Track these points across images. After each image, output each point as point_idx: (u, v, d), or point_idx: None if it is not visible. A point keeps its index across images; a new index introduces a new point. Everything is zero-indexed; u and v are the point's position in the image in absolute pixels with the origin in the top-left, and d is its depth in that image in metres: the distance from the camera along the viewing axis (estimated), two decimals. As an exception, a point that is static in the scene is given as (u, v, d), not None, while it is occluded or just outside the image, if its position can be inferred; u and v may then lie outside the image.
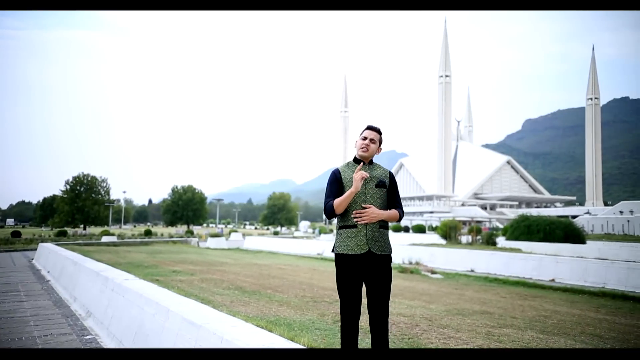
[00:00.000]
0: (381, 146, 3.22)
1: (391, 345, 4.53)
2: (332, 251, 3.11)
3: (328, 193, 3.12)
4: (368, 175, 3.04)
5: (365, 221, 2.99)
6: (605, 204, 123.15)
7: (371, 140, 3.15)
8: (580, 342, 5.10)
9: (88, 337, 6.44)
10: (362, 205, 3.03)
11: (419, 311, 6.81)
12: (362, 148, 3.14)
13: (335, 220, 3.19)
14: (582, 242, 29.44)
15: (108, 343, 6.47)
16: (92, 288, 8.43)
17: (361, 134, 3.22)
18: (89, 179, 70.69)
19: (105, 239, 33.65)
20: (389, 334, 5.06)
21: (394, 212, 3.09)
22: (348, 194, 2.99)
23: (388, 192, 3.17)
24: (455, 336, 5.04)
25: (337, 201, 3.02)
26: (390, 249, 3.11)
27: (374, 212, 3.00)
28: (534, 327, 5.96)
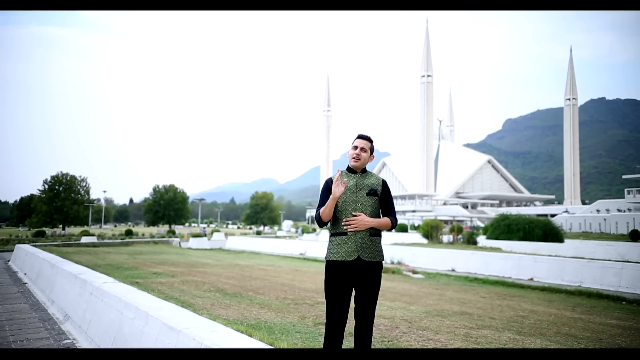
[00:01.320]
0: (373, 154, 3.28)
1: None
2: (325, 258, 3.15)
3: (320, 202, 3.18)
4: (345, 182, 3.06)
5: (355, 229, 3.03)
6: (583, 203, 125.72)
7: (362, 149, 3.19)
8: (556, 343, 5.20)
9: (66, 341, 6.35)
10: (353, 213, 3.07)
11: (399, 313, 6.87)
12: (353, 158, 3.19)
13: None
14: (560, 240, 29.99)
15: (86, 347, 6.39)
16: (70, 291, 8.31)
17: (353, 143, 3.25)
18: (68, 178, 69.41)
19: (84, 239, 33.12)
20: (369, 336, 5.11)
21: (385, 220, 3.13)
22: (329, 202, 3.02)
23: (381, 200, 3.21)
24: (434, 338, 5.10)
25: (322, 209, 3.07)
26: (382, 256, 3.15)
27: (363, 220, 3.04)
28: (511, 328, 6.06)
